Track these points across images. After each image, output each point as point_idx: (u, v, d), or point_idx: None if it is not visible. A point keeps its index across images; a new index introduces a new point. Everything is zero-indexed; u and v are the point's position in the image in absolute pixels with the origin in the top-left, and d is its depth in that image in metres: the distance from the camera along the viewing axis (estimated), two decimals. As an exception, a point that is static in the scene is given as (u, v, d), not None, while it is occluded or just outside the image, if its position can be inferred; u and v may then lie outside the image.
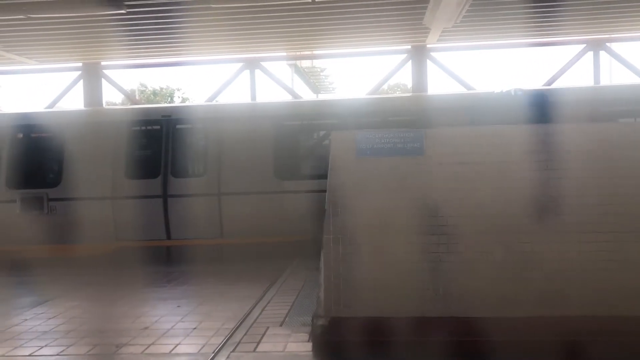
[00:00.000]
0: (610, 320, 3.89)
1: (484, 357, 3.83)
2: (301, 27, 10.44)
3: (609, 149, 4.13)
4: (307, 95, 23.76)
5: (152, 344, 4.51)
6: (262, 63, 12.90)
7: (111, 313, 5.63)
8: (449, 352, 3.87)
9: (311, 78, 26.17)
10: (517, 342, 3.85)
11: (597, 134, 4.28)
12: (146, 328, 4.96)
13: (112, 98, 27.81)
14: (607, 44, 12.31)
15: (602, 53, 12.33)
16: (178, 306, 5.77)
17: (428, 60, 12.24)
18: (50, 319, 5.41)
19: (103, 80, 12.95)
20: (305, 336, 4.45)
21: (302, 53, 14.03)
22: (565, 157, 4.12)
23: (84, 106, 12.60)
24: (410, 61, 12.28)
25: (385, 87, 18.88)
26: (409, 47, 12.18)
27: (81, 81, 12.88)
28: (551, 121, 6.84)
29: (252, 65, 12.80)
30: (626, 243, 4.02)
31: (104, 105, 13.50)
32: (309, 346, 4.23)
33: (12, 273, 7.79)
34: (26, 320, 5.38)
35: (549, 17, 10.08)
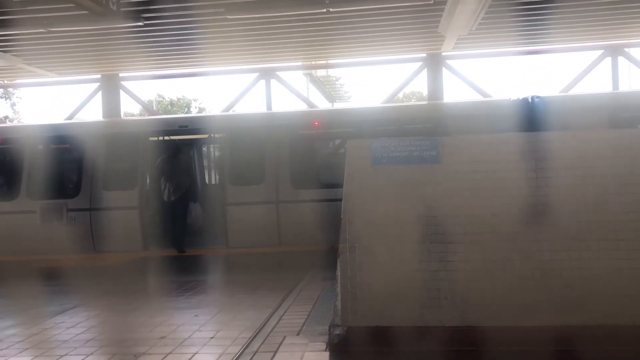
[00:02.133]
0: (631, 330, 3.83)
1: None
2: (316, 36, 10.49)
3: (631, 156, 4.07)
4: (322, 104, 23.84)
5: (170, 353, 4.53)
6: (278, 73, 12.98)
7: (129, 322, 5.67)
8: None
9: (326, 87, 26.26)
10: (535, 352, 3.79)
11: (618, 141, 4.23)
12: (164, 337, 4.98)
13: (130, 109, 28.15)
14: (626, 49, 12.18)
15: (621, 58, 12.20)
16: (195, 315, 5.79)
17: (443, 68, 12.21)
18: (69, 328, 5.46)
19: (121, 92, 13.12)
20: (323, 345, 4.43)
21: (317, 62, 14.09)
22: (583, 164, 4.08)
23: (103, 117, 12.77)
24: (426, 69, 12.26)
25: (400, 95, 18.87)
26: (424, 55, 12.17)
27: (100, 92, 13.06)
28: (568, 128, 6.78)
29: (267, 75, 12.88)
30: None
31: (122, 115, 13.65)
32: (326, 355, 4.22)
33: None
34: (46, 329, 5.44)
35: (565, 23, 10.01)
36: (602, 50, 12.12)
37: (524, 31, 10.47)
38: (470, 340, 3.93)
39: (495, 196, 4.12)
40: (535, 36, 10.94)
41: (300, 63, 13.61)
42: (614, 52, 12.05)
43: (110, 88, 12.92)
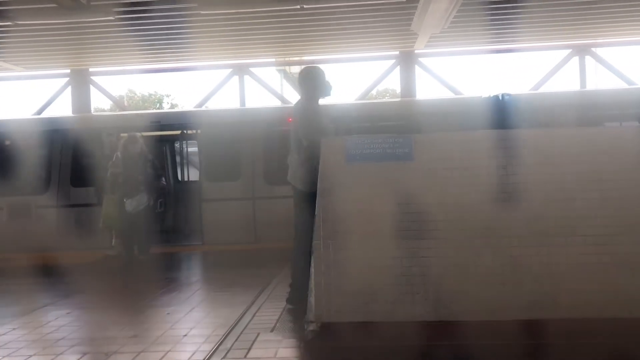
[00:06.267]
0: (599, 323, 3.93)
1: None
2: (290, 33, 10.49)
3: (596, 153, 4.18)
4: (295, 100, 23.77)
5: (142, 351, 4.48)
6: (251, 69, 12.93)
7: (100, 321, 5.59)
8: (440, 357, 3.89)
9: (300, 83, 26.08)
10: (507, 346, 3.87)
11: (584, 138, 4.33)
12: (135, 336, 4.93)
13: (100, 104, 27.69)
14: (593, 49, 12.46)
15: (588, 58, 12.48)
16: (168, 313, 5.74)
17: (416, 66, 12.32)
18: (38, 327, 5.36)
19: (91, 87, 12.90)
20: (297, 342, 4.44)
21: (291, 59, 14.08)
22: (551, 161, 4.17)
23: (72, 113, 12.54)
24: (399, 66, 12.35)
25: (374, 92, 18.96)
26: (397, 52, 12.26)
27: (69, 88, 12.82)
28: (537, 125, 6.92)
29: (241, 71, 12.83)
30: (614, 246, 4.07)
31: (92, 111, 13.44)
32: (300, 352, 4.23)
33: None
34: (14, 329, 5.33)
35: (534, 22, 10.20)
36: (570, 50, 12.38)
37: (494, 30, 10.65)
38: (443, 335, 3.98)
39: (467, 193, 4.19)
40: (505, 35, 11.13)
41: (274, 59, 13.58)
42: (582, 51, 12.33)
43: (80, 83, 12.71)
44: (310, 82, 5.26)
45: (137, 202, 8.40)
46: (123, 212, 8.42)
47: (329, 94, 5.33)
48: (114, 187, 8.61)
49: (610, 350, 3.80)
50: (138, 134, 8.86)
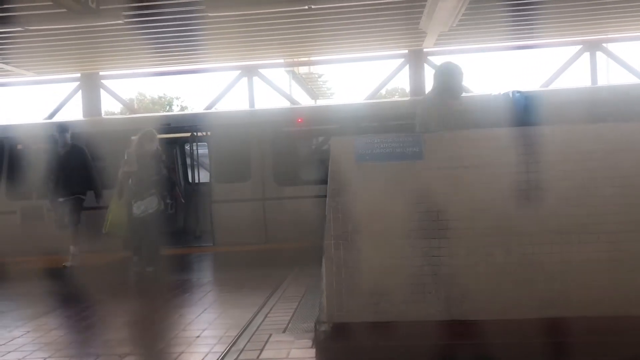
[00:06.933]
0: (612, 321, 3.90)
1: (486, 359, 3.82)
2: (298, 33, 10.50)
3: (609, 150, 4.14)
4: (305, 101, 23.80)
5: (156, 353, 4.51)
6: (260, 70, 12.96)
7: (113, 322, 5.63)
8: (452, 356, 3.87)
9: (309, 84, 26.21)
10: (520, 345, 3.84)
11: (597, 135, 4.29)
12: (148, 337, 4.96)
13: (111, 108, 27.87)
14: (604, 45, 12.36)
15: (599, 54, 12.38)
16: (180, 315, 5.77)
17: (425, 64, 12.28)
18: (53, 329, 5.41)
19: (102, 90, 13.00)
20: (309, 342, 4.45)
21: (299, 59, 14.09)
22: (563, 159, 4.13)
23: (84, 116, 12.63)
24: (408, 65, 12.32)
25: (383, 91, 18.92)
26: (406, 51, 12.23)
27: (80, 91, 12.92)
28: (549, 123, 6.85)
29: (249, 72, 12.86)
30: (627, 243, 4.03)
31: (102, 114, 13.53)
32: (312, 352, 4.23)
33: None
34: (28, 332, 5.38)
35: (544, 18, 10.12)
36: (581, 46, 12.28)
37: (504, 27, 10.59)
38: (455, 335, 3.96)
39: (477, 191, 4.16)
40: (514, 32, 11.06)
41: (282, 60, 13.60)
42: (592, 47, 12.23)
43: (91, 87, 12.80)
44: (445, 78, 5.15)
45: (146, 206, 7.79)
46: (130, 216, 7.82)
47: (457, 96, 5.19)
48: (123, 189, 7.97)
49: (623, 349, 3.76)
50: (154, 131, 8.24)
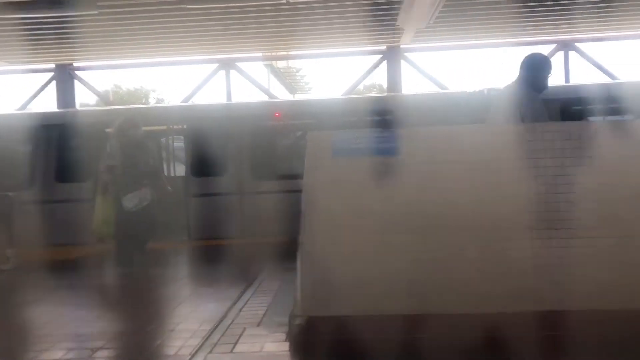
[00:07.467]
0: (583, 315, 3.98)
1: (461, 353, 3.88)
2: (276, 28, 10.47)
3: (581, 146, 4.22)
4: (283, 95, 23.75)
5: (129, 347, 4.47)
6: (238, 63, 12.88)
7: (86, 317, 5.56)
8: (426, 349, 3.92)
9: (287, 78, 26.13)
10: (492, 338, 3.91)
11: (569, 132, 4.37)
12: (121, 331, 4.92)
13: (85, 99, 27.39)
14: (577, 44, 12.57)
15: (572, 53, 12.59)
16: (155, 309, 5.73)
17: (402, 61, 12.35)
18: (21, 323, 5.33)
19: (76, 82, 12.80)
20: (283, 336, 4.46)
21: (277, 54, 14.05)
22: (534, 156, 4.20)
23: (57, 108, 12.42)
24: (385, 61, 12.38)
25: (361, 87, 18.98)
26: (384, 47, 12.28)
27: (54, 82, 12.71)
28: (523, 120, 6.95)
29: (227, 65, 12.79)
30: (597, 239, 4.12)
31: (77, 106, 13.32)
32: (286, 346, 4.25)
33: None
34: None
35: (519, 17, 10.27)
36: (555, 45, 12.47)
37: (480, 25, 10.71)
38: (429, 328, 4.01)
39: (451, 187, 4.21)
40: (490, 30, 11.19)
41: (260, 54, 13.55)
42: (566, 46, 12.43)
43: (65, 78, 12.58)
44: (533, 70, 5.06)
45: (139, 199, 7.10)
46: (120, 212, 7.10)
47: (542, 90, 5.09)
48: (108, 185, 7.18)
49: (594, 341, 3.85)
50: (136, 118, 7.60)
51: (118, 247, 7.38)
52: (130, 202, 7.07)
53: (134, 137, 7.32)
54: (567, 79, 12.50)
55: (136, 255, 7.36)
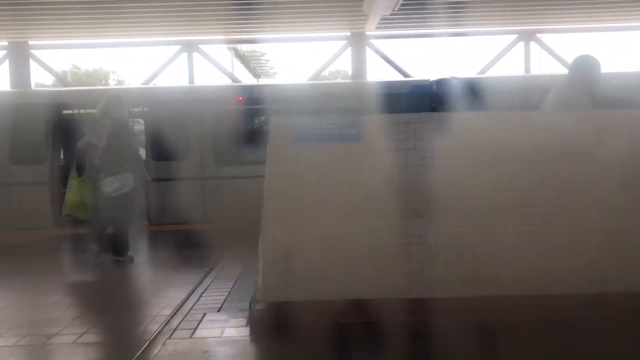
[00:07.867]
0: (537, 299, 4.11)
1: (420, 337, 3.95)
2: (240, 10, 10.31)
3: (535, 137, 4.32)
4: (247, 79, 23.51)
5: (85, 332, 4.40)
6: (201, 46, 12.67)
7: (42, 302, 5.44)
8: (385, 333, 3.98)
9: (251, 62, 25.88)
10: (451, 322, 3.99)
11: (525, 122, 4.47)
12: (78, 317, 4.84)
13: (42, 79, 26.57)
14: (538, 35, 12.81)
15: (533, 44, 12.82)
16: (113, 295, 5.65)
17: (367, 47, 12.35)
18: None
19: (31, 61, 12.36)
20: (243, 321, 4.46)
21: (239, 37, 13.86)
22: (492, 144, 4.29)
23: (11, 88, 11.99)
24: (350, 48, 12.36)
25: (326, 73, 18.93)
26: (349, 33, 12.26)
27: (7, 61, 12.24)
28: (484, 108, 7.09)
29: (190, 48, 12.55)
30: (553, 226, 4.24)
31: (32, 86, 12.90)
32: (246, 330, 4.25)
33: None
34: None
35: (482, 7, 10.38)
36: (516, 35, 12.68)
37: (444, 13, 10.78)
38: (388, 312, 4.08)
39: (411, 174, 4.26)
40: (454, 19, 11.28)
41: (223, 37, 13.34)
42: (527, 37, 12.65)
43: (19, 57, 12.13)
44: (585, 71, 5.04)
45: (121, 183, 6.65)
46: (99, 197, 6.62)
47: (592, 91, 5.00)
48: (91, 165, 6.66)
49: (548, 326, 3.98)
50: (123, 96, 7.12)
51: (90, 232, 6.97)
52: (109, 186, 6.60)
53: (119, 116, 6.84)
54: (527, 69, 12.74)
55: (116, 245, 6.91)
